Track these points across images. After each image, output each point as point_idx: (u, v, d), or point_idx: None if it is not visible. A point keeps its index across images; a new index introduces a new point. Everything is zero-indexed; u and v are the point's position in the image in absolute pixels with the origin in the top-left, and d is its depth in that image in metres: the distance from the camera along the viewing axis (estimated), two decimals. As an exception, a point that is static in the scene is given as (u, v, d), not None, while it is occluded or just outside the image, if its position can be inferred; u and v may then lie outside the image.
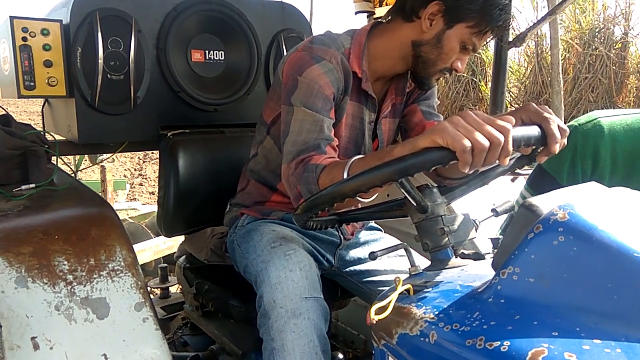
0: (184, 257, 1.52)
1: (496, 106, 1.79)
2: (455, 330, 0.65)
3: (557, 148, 0.81)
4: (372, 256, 0.86)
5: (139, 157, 6.80)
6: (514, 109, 0.94)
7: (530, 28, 1.77)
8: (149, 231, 3.15)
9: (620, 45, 7.78)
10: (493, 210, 1.04)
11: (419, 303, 0.74)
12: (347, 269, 1.36)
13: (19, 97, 1.37)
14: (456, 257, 0.91)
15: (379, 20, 1.28)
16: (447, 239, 0.90)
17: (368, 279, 1.32)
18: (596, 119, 1.16)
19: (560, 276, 0.62)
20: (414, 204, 0.87)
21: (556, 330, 0.58)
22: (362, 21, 2.28)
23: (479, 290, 0.71)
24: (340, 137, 1.22)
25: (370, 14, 2.30)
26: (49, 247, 0.89)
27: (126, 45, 1.44)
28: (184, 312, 1.69)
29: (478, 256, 0.94)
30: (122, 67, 1.44)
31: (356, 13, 2.35)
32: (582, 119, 1.19)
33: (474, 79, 9.12)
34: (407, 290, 0.78)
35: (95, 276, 0.90)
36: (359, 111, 1.25)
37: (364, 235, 1.43)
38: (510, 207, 1.07)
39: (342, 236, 1.36)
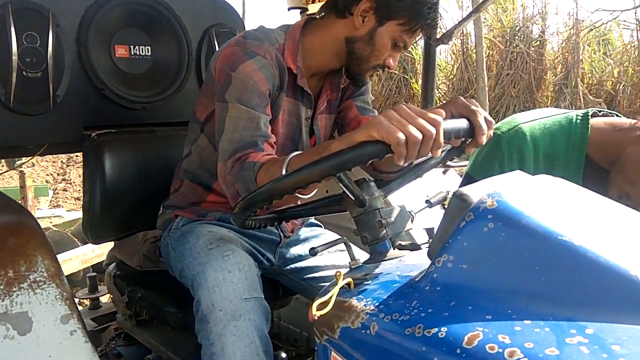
0: (113, 264, 1.44)
1: (427, 101, 1.85)
2: (395, 320, 0.66)
3: (484, 139, 0.84)
4: (312, 252, 0.86)
5: (62, 161, 6.40)
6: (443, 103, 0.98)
7: (457, 26, 1.84)
8: (75, 239, 2.98)
9: (538, 43, 8.31)
10: (427, 201, 1.06)
11: (360, 296, 0.74)
12: (288, 267, 1.35)
13: None
14: (394, 249, 0.92)
15: (313, 16, 1.27)
16: (385, 231, 0.91)
17: (309, 275, 1.32)
18: (517, 125, 1.23)
19: (491, 261, 0.65)
20: (352, 198, 0.87)
21: (490, 314, 0.60)
22: (295, 17, 2.27)
23: (417, 279, 0.72)
24: (277, 134, 1.20)
25: (303, 10, 2.29)
26: (-41, 260, 0.81)
27: (43, 40, 1.34)
28: (117, 322, 1.61)
29: (415, 247, 0.96)
30: (40, 64, 1.34)
31: (289, 9, 2.33)
32: (503, 126, 1.27)
33: (406, 76, 9.41)
34: (348, 284, 0.78)
35: (14, 289, 0.83)
36: (295, 107, 1.24)
37: (304, 232, 1.42)
38: (443, 198, 1.10)
39: (282, 234, 1.35)
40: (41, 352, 0.81)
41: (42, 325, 0.82)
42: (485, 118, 0.84)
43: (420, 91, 9.61)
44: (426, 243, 0.96)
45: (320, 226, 1.51)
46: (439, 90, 9.24)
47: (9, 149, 1.44)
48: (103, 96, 1.47)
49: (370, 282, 0.78)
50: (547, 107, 8.10)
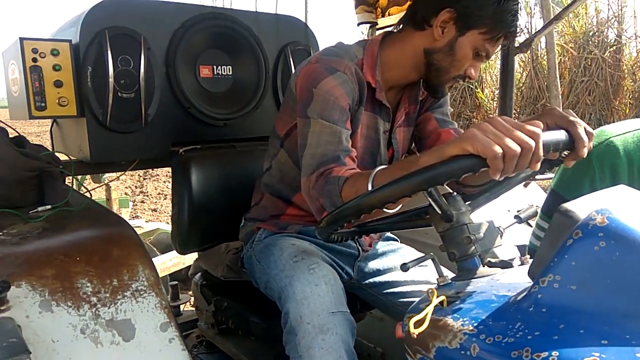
0: (199, 274, 1.50)
1: (505, 112, 1.79)
2: (499, 342, 0.63)
3: (585, 152, 0.80)
4: (404, 268, 0.85)
5: (139, 175, 6.78)
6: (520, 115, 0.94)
7: (537, 33, 1.77)
8: (155, 248, 3.13)
9: (614, 48, 7.85)
10: (516, 216, 1.03)
11: (455, 315, 0.73)
12: (367, 281, 1.34)
13: (30, 118, 1.36)
14: (484, 266, 0.90)
15: (390, 30, 1.28)
16: (473, 247, 0.89)
17: (388, 290, 1.31)
18: (608, 138, 1.14)
19: (603, 282, 0.61)
20: (439, 212, 0.86)
21: (605, 339, 0.57)
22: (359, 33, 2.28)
23: (518, 299, 0.69)
24: (356, 148, 1.21)
25: (373, 24, 2.30)
26: (71, 269, 0.88)
27: (136, 63, 1.44)
28: (199, 329, 1.67)
29: (506, 264, 0.92)
30: (133, 85, 1.44)
31: (359, 24, 2.35)
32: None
33: (470, 86, 9.18)
34: (441, 302, 0.77)
35: (119, 297, 0.88)
36: (374, 121, 1.25)
37: (381, 246, 1.41)
38: (533, 213, 1.06)
39: (360, 248, 1.35)
40: (143, 358, 0.85)
41: (144, 332, 0.87)
42: (585, 129, 0.80)
43: (485, 101, 9.31)
44: (517, 260, 0.93)
45: (397, 240, 1.50)
46: (507, 99, 8.90)
47: (104, 165, 1.54)
48: (189, 114, 1.55)
49: (464, 300, 0.76)
50: (627, 115, 7.61)
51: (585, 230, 0.63)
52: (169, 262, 2.88)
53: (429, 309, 0.71)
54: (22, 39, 1.32)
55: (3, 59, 1.53)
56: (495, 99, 9.30)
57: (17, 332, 0.72)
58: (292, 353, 1.03)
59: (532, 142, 0.71)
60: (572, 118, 0.81)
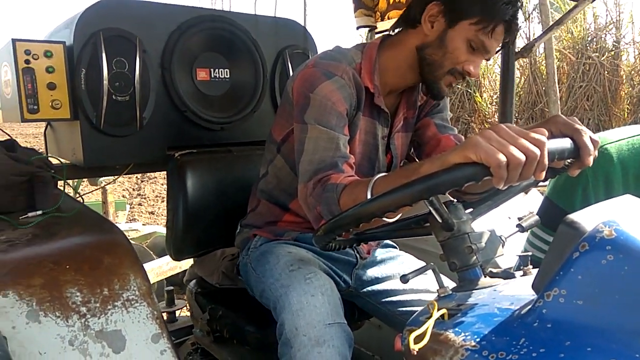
0: (194, 281, 1.48)
1: (505, 117, 1.77)
2: (502, 359, 0.61)
3: (590, 160, 0.78)
4: (404, 279, 0.82)
5: (137, 177, 6.75)
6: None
7: (538, 38, 1.76)
8: (151, 252, 3.10)
9: (612, 53, 7.85)
10: (518, 225, 1.00)
11: (457, 329, 0.70)
12: (365, 289, 1.32)
13: (22, 122, 1.33)
14: (485, 277, 0.87)
15: (388, 33, 1.26)
16: (475, 257, 0.86)
17: (387, 299, 1.28)
18: (602, 146, 1.11)
19: (611, 298, 0.59)
20: (440, 221, 0.83)
21: (613, 357, 0.55)
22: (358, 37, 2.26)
23: (521, 313, 0.67)
24: (354, 154, 1.18)
25: (372, 28, 2.29)
26: (60, 277, 0.85)
27: (131, 65, 1.41)
28: (194, 337, 1.64)
29: (508, 274, 0.90)
30: (128, 88, 1.41)
31: (358, 28, 2.33)
32: None
33: (469, 90, 9.18)
34: (442, 315, 0.74)
35: (109, 307, 0.85)
36: (372, 126, 1.22)
37: (379, 253, 1.39)
38: (536, 222, 1.03)
39: (358, 255, 1.32)
40: (134, 370, 0.83)
41: (135, 344, 0.84)
42: (590, 137, 0.78)
43: (484, 106, 9.31)
44: (519, 271, 0.91)
45: (395, 247, 1.48)
46: (506, 104, 8.91)
47: (98, 168, 1.52)
48: (185, 118, 1.52)
49: (466, 313, 0.74)
50: (625, 120, 7.61)
51: (592, 243, 0.61)
52: (165, 266, 2.85)
53: (430, 324, 0.69)
54: (14, 40, 1.29)
55: (-5, 60, 1.50)
56: (494, 103, 9.30)
57: (2, 344, 0.70)
58: None
59: (537, 151, 0.68)
60: (577, 126, 0.79)
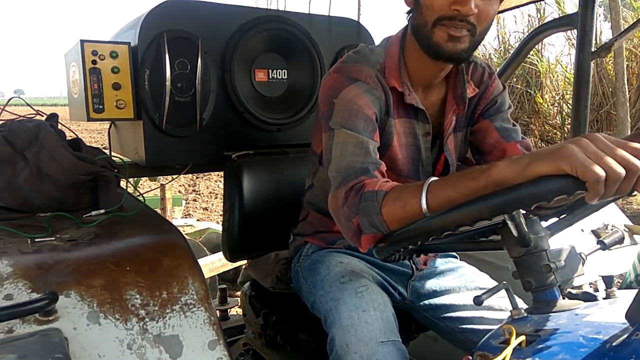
0: (248, 283, 1.47)
1: (578, 122, 1.65)
2: (593, 399, 0.54)
3: None
4: (477, 301, 0.76)
5: (199, 173, 6.94)
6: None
7: (617, 37, 1.62)
8: (204, 248, 3.15)
9: (689, 52, 7.29)
10: (600, 242, 0.92)
11: (537, 358, 0.64)
12: (422, 303, 1.25)
13: (88, 120, 1.37)
14: (564, 298, 0.80)
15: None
16: (553, 276, 0.79)
17: (446, 314, 1.21)
18: None
19: None
20: (516, 236, 0.77)
21: None
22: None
23: (613, 345, 0.60)
24: (396, 160, 1.11)
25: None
26: (120, 279, 0.85)
27: (192, 66, 1.42)
28: (246, 337, 1.63)
29: (589, 297, 0.82)
30: (189, 89, 1.42)
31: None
32: None
33: (529, 91, 8.79)
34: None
35: (167, 311, 0.84)
36: (410, 126, 1.12)
37: (439, 264, 1.32)
38: (620, 238, 0.94)
39: (414, 266, 1.26)
40: (189, 377, 0.81)
41: (192, 350, 0.83)
42: None
43: (545, 107, 8.91)
44: (601, 293, 0.83)
45: (457, 257, 1.40)
46: (568, 105, 8.51)
47: (159, 168, 1.54)
48: (243, 119, 1.52)
49: (546, 340, 0.67)
50: None
51: None
52: (218, 263, 2.89)
53: (508, 352, 0.63)
54: (82, 41, 1.32)
55: (65, 60, 1.55)
56: (556, 104, 8.86)
57: (63, 347, 0.70)
58: None
59: (638, 163, 0.61)
60: (678, 135, 0.70)
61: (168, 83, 1.38)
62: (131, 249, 0.93)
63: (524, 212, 0.82)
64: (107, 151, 1.47)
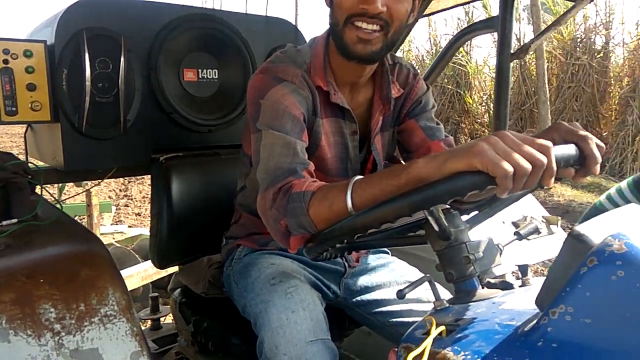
0: (179, 290, 1.42)
1: (500, 119, 1.74)
2: (505, 382, 0.57)
3: (597, 169, 0.75)
4: (400, 295, 0.78)
5: (124, 178, 6.65)
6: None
7: (534, 39, 1.72)
8: (137, 255, 3.03)
9: (601, 54, 7.89)
10: (516, 233, 0.97)
11: (456, 347, 0.66)
12: (354, 299, 1.27)
13: (-1, 124, 1.27)
14: (483, 288, 0.84)
15: None
16: (472, 267, 0.83)
17: (378, 309, 1.23)
18: None
19: (622, 316, 0.55)
20: (437, 230, 0.79)
21: (626, 382, 0.51)
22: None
23: (524, 331, 0.63)
24: (325, 159, 1.12)
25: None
26: (33, 292, 0.80)
27: (115, 65, 1.36)
28: (178, 346, 1.58)
29: (506, 285, 0.87)
30: (111, 89, 1.35)
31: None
32: None
33: (459, 91, 9.19)
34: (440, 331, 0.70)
35: (86, 324, 0.80)
36: (337, 125, 1.13)
37: (371, 260, 1.34)
38: (534, 229, 1.00)
39: (346, 264, 1.27)
40: (112, 390, 0.78)
41: (113, 362, 0.79)
42: (597, 144, 0.75)
43: (474, 106, 9.33)
44: (518, 281, 0.88)
45: (388, 253, 1.43)
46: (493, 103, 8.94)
47: (80, 173, 1.46)
48: (171, 120, 1.47)
49: (465, 329, 0.70)
50: (613, 121, 7.65)
51: (601, 257, 0.57)
52: (151, 270, 2.78)
53: (428, 342, 0.65)
54: (-9, 39, 1.23)
55: (-28, 59, 1.44)
56: (484, 104, 9.31)
57: (-34, 368, 0.64)
58: None
59: (544, 158, 0.65)
60: (582, 132, 0.76)
61: (88, 83, 1.31)
62: (46, 259, 0.87)
63: (447, 207, 0.85)
64: (23, 157, 1.38)
